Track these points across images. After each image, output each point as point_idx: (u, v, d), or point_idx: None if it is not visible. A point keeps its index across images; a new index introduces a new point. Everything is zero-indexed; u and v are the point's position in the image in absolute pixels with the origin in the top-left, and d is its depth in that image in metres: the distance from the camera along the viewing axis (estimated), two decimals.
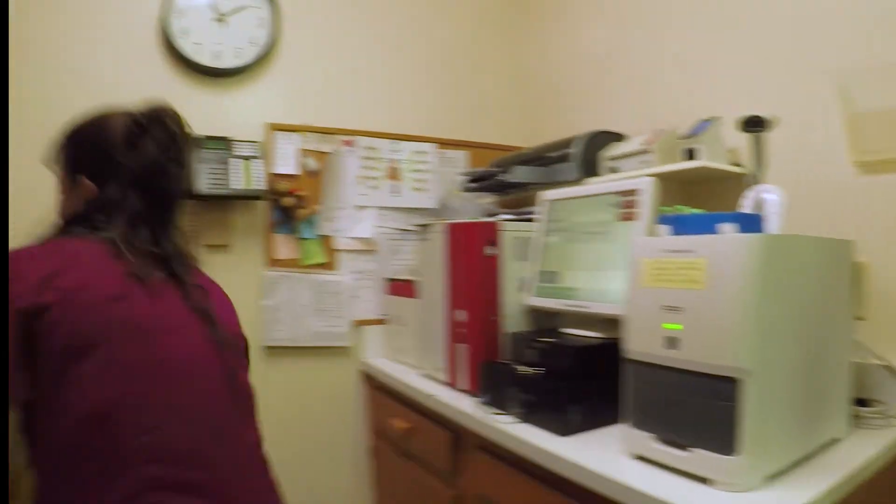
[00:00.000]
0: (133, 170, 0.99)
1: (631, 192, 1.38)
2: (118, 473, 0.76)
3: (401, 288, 2.08)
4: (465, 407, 1.49)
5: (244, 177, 1.92)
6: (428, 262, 1.84)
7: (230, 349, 1.02)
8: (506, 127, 2.51)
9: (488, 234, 1.61)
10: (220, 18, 2.01)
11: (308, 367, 2.14)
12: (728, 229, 1.07)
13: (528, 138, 2.42)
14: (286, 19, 2.13)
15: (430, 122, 2.41)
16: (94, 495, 0.76)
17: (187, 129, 1.09)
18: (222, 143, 1.93)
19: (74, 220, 0.99)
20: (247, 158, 1.95)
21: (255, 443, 1.03)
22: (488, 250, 1.60)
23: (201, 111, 2.01)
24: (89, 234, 0.94)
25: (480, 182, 2.16)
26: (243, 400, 1.03)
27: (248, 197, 1.96)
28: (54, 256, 0.86)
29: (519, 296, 1.61)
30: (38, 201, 1.30)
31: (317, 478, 2.14)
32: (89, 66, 1.87)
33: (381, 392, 2.07)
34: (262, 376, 2.06)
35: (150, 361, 0.85)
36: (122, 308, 0.86)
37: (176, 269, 1.00)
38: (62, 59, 1.84)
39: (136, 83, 1.92)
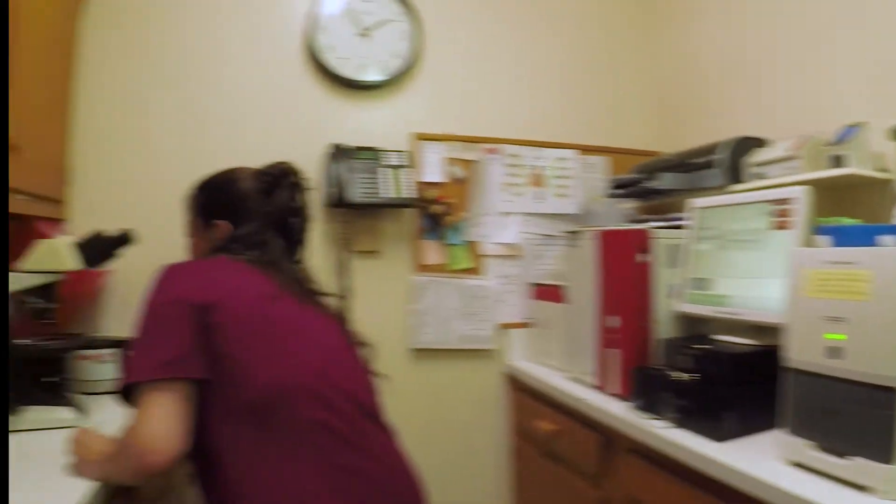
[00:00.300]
0: (268, 213, 1.27)
1: (785, 201, 1.45)
2: (299, 442, 1.01)
3: (547, 292, 2.22)
4: (617, 410, 1.60)
5: (394, 185, 2.14)
6: (577, 268, 1.96)
7: (361, 348, 1.29)
8: (645, 132, 2.55)
9: (640, 241, 1.72)
10: (364, 33, 2.25)
11: (453, 368, 2.33)
12: (890, 241, 1.12)
13: (668, 143, 2.46)
14: (427, 31, 2.33)
15: (571, 129, 2.52)
16: (283, 459, 1.00)
17: (307, 183, 1.37)
18: (371, 154, 2.15)
19: (217, 250, 1.26)
20: (395, 167, 2.17)
21: (392, 433, 1.23)
22: (640, 257, 1.71)
23: (349, 123, 2.26)
24: (233, 257, 1.20)
25: (625, 188, 2.26)
26: (375, 390, 1.26)
27: (399, 205, 2.18)
28: (210, 265, 1.18)
29: (669, 302, 1.70)
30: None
31: (458, 475, 2.33)
32: (241, 83, 2.17)
33: (525, 394, 2.21)
34: (409, 377, 2.28)
35: (311, 350, 1.12)
36: (279, 307, 1.13)
37: (308, 289, 1.26)
38: (215, 76, 2.15)
39: (287, 98, 2.20)
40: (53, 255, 1.47)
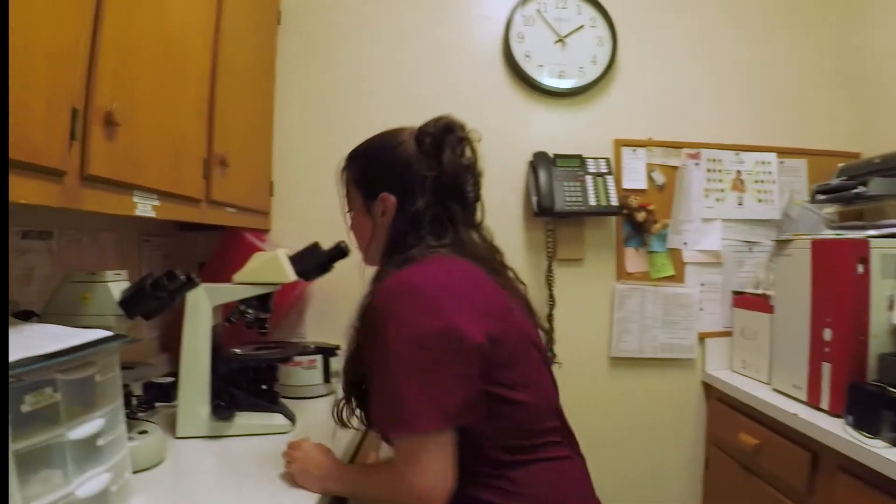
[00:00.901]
0: (438, 179, 1.21)
1: None
2: (542, 442, 1.16)
3: (751, 301, 2.38)
4: (829, 427, 1.72)
5: (598, 193, 2.39)
6: (786, 277, 2.10)
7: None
8: (843, 132, 2.63)
9: (860, 251, 1.79)
10: (560, 40, 2.53)
11: (650, 377, 2.53)
12: None
13: (868, 143, 2.53)
14: (620, 36, 2.54)
15: (768, 131, 2.65)
16: (532, 453, 1.15)
17: (474, 134, 1.30)
18: (575, 161, 2.42)
19: (399, 238, 1.22)
20: (598, 175, 2.42)
21: None
22: (858, 268, 1.81)
23: (550, 130, 2.52)
24: (447, 251, 1.18)
25: (829, 193, 2.32)
26: None
27: (605, 213, 2.42)
28: (460, 278, 1.14)
29: (888, 315, 1.80)
30: None
31: (652, 485, 2.53)
32: (438, 92, 2.48)
33: (725, 405, 2.36)
34: (606, 385, 2.51)
35: (542, 361, 1.24)
36: (517, 320, 1.17)
37: (497, 264, 1.28)
38: (411, 86, 2.47)
39: (486, 106, 2.49)
40: (272, 266, 1.67)
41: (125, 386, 1.37)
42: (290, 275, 1.69)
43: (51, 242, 1.61)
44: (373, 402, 1.14)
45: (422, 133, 1.27)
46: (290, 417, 1.67)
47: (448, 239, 1.21)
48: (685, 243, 2.50)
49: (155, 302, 1.37)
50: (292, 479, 1.30)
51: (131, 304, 1.36)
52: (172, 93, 1.49)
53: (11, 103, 0.90)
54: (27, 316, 1.36)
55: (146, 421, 1.52)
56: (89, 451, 1.06)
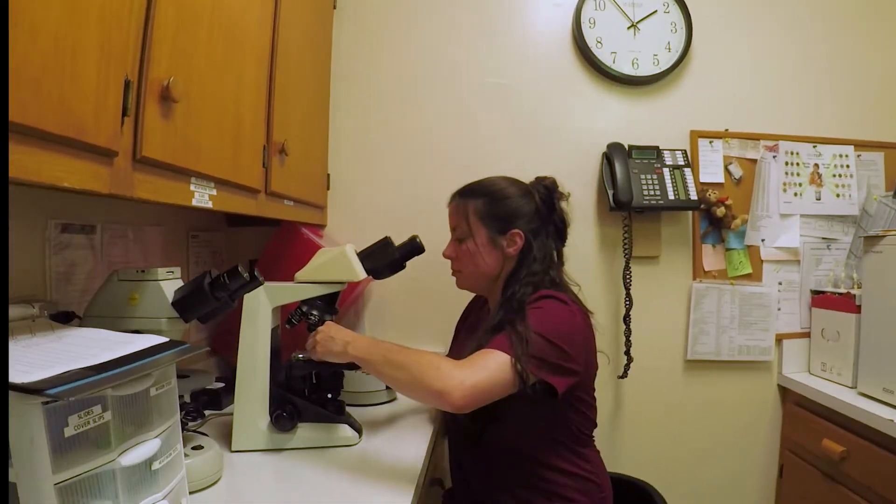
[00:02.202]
0: (555, 225, 1.60)
1: None
2: (591, 438, 1.55)
3: (833, 301, 2.23)
4: None
5: (677, 187, 2.23)
6: (877, 275, 1.95)
7: None
8: None
9: None
10: (633, 26, 2.36)
11: (725, 381, 2.39)
12: None
13: None
14: (696, 21, 2.38)
15: (845, 122, 2.49)
16: (585, 448, 1.52)
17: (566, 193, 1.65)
18: (651, 153, 2.26)
19: (524, 269, 1.54)
20: (676, 167, 2.26)
21: None
22: None
23: (622, 121, 2.37)
24: (563, 295, 1.48)
25: None
26: None
27: (683, 208, 2.26)
28: (583, 324, 1.47)
29: None
30: (441, 213, 1.74)
31: (725, 490, 2.41)
32: (510, 82, 2.35)
33: (803, 409, 2.23)
34: (682, 389, 2.38)
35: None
36: (594, 349, 1.52)
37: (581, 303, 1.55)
38: (481, 76, 2.35)
39: (557, 96, 2.36)
40: (340, 264, 1.53)
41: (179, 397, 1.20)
42: (359, 272, 1.55)
43: (93, 237, 1.46)
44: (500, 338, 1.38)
45: (540, 187, 1.63)
46: (358, 429, 1.54)
47: (555, 271, 1.57)
48: (763, 240, 2.37)
49: (214, 303, 1.20)
50: (314, 352, 1.43)
51: (187, 305, 1.20)
52: (231, 71, 1.33)
53: (54, 66, 0.77)
54: (67, 318, 1.22)
55: (198, 433, 1.39)
56: (144, 476, 0.90)
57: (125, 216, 1.62)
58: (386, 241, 1.69)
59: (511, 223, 1.56)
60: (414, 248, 1.71)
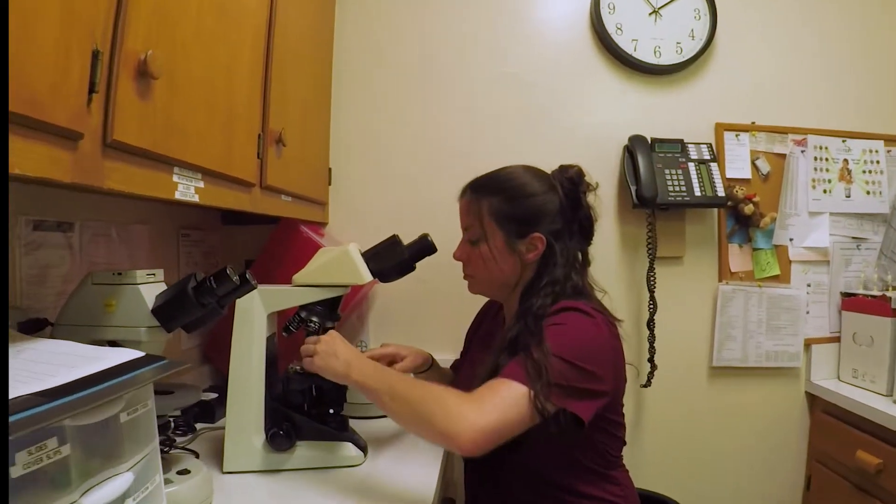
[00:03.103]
0: (580, 224, 1.41)
1: None
2: (620, 458, 1.41)
3: (866, 304, 2.11)
4: None
5: (703, 182, 2.09)
6: None
7: None
8: None
9: None
10: (654, 12, 2.23)
11: (750, 388, 2.26)
12: None
13: None
14: (721, 8, 2.24)
15: (876, 118, 2.37)
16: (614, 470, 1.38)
17: (592, 184, 1.44)
18: (676, 146, 2.12)
19: (545, 276, 1.36)
20: (701, 162, 2.12)
21: None
22: None
23: (644, 112, 2.23)
24: (577, 297, 1.34)
25: None
26: None
27: (710, 205, 2.12)
28: (611, 339, 1.30)
29: None
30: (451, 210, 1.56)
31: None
32: (525, 70, 2.22)
33: (833, 417, 2.12)
34: (707, 397, 2.25)
35: None
36: (623, 364, 1.33)
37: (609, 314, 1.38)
38: (493, 64, 2.21)
39: (576, 85, 2.22)
40: (343, 265, 1.38)
41: (159, 417, 1.06)
42: (364, 275, 1.39)
43: (71, 236, 1.31)
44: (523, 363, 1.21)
45: (563, 180, 1.41)
46: (363, 447, 1.41)
47: (578, 276, 1.39)
48: (791, 239, 2.25)
49: (199, 310, 1.04)
50: (311, 363, 1.28)
51: (169, 312, 1.05)
52: (223, 48, 1.19)
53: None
54: (39, 326, 1.09)
55: (186, 450, 1.29)
56: None
57: (108, 213, 1.47)
58: (394, 240, 1.50)
59: (532, 226, 1.37)
60: (425, 247, 1.51)
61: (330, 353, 1.27)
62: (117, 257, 1.51)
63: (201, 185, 1.11)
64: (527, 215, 1.38)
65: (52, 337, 1.07)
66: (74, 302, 1.10)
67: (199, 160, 1.09)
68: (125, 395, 0.76)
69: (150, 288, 1.09)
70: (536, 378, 1.14)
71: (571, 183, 1.41)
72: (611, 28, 2.21)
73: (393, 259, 1.49)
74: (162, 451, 1.25)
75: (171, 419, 1.34)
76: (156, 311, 1.05)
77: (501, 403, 1.13)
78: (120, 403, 0.78)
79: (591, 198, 1.43)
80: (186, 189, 1.06)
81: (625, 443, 1.41)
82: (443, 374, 1.76)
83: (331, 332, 1.34)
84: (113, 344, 1.06)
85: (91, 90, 0.78)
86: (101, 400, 0.71)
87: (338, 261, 1.39)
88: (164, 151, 0.97)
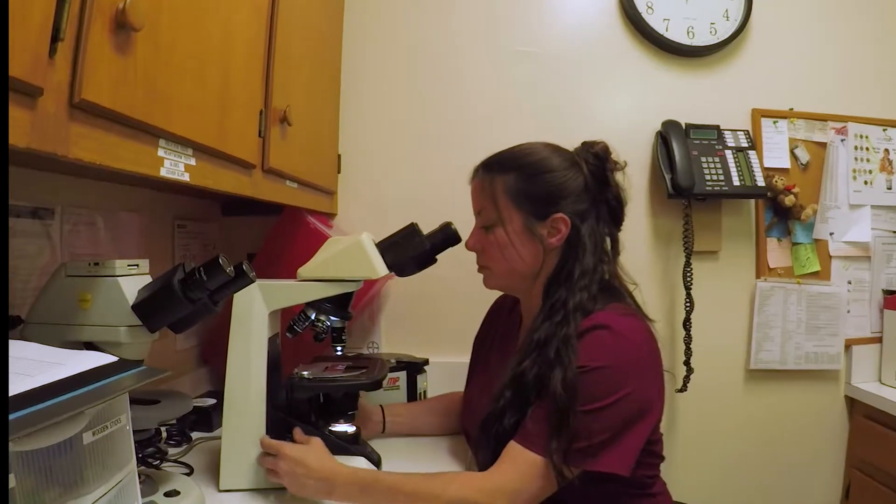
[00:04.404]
0: (609, 204, 1.25)
1: None
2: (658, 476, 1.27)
3: None
4: None
5: (742, 171, 1.95)
6: None
7: None
8: None
9: None
10: None
11: (787, 392, 2.13)
12: None
13: None
14: None
15: None
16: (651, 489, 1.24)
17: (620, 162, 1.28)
18: (712, 133, 1.98)
19: (570, 266, 1.21)
20: (738, 150, 1.98)
21: None
22: None
23: (676, 96, 2.09)
24: (608, 296, 1.20)
25: None
26: None
27: (750, 195, 1.99)
28: (651, 345, 1.17)
29: None
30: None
31: None
32: (548, 51, 2.07)
33: (874, 422, 2.00)
34: (743, 402, 2.11)
35: None
36: (663, 374, 1.20)
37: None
38: (513, 43, 2.06)
39: (602, 67, 2.08)
40: (355, 257, 1.23)
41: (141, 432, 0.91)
42: (379, 268, 1.24)
43: (50, 224, 1.16)
44: (555, 426, 1.06)
45: (587, 156, 1.25)
46: (376, 461, 1.26)
47: (609, 265, 1.25)
48: (831, 234, 2.11)
49: (188, 307, 0.89)
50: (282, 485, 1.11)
51: (152, 308, 0.90)
52: (219, 7, 1.04)
53: None
54: (11, 325, 0.94)
55: (178, 464, 1.19)
56: None
57: (93, 199, 1.31)
58: (412, 229, 1.34)
59: (553, 205, 1.21)
60: (448, 237, 1.35)
61: (294, 474, 1.11)
62: (104, 249, 1.35)
63: (192, 162, 0.96)
64: (547, 193, 1.22)
65: (21, 338, 0.92)
66: (46, 297, 0.95)
67: (189, 132, 0.94)
68: (88, 410, 0.60)
69: (132, 281, 0.94)
70: (559, 439, 1.05)
71: (597, 159, 1.25)
72: (641, 6, 2.05)
73: (412, 250, 1.33)
74: (152, 465, 1.11)
75: (164, 428, 1.20)
76: (137, 308, 0.90)
77: (521, 486, 1.07)
78: (81, 421, 0.63)
79: (619, 177, 1.28)
80: (174, 166, 0.91)
81: (662, 458, 1.28)
82: (430, 409, 1.62)
83: (295, 446, 1.15)
84: (89, 346, 0.91)
85: (55, 38, 0.65)
86: (53, 419, 0.56)
87: (349, 252, 1.24)
88: (144, 118, 0.82)
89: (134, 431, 0.77)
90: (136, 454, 0.77)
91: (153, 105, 0.84)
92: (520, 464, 1.07)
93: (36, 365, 0.66)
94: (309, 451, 1.13)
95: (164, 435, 1.24)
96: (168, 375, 0.73)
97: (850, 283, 2.16)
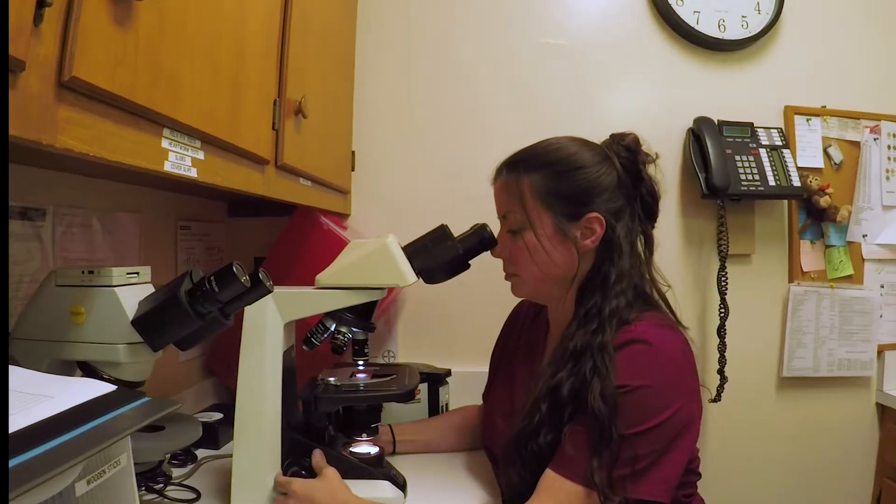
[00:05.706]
0: (643, 200, 1.17)
1: None
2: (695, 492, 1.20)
3: None
4: None
5: (777, 171, 1.86)
6: None
7: None
8: None
9: None
10: None
11: (820, 399, 2.05)
12: None
13: None
14: None
15: None
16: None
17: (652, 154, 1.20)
18: (746, 130, 1.88)
19: (605, 271, 1.12)
20: (773, 148, 1.88)
21: None
22: None
23: (707, 92, 1.99)
24: (643, 304, 1.12)
25: None
26: None
27: (786, 196, 1.89)
28: (689, 358, 1.07)
29: None
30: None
31: None
32: (572, 44, 1.97)
33: None
34: (774, 411, 2.02)
35: None
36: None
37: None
38: (535, 35, 1.96)
39: (630, 60, 1.98)
40: (381, 262, 1.11)
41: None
42: (407, 275, 1.12)
43: (41, 226, 1.04)
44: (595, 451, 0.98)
45: (618, 149, 1.16)
46: (401, 484, 1.14)
47: (645, 267, 1.17)
48: (865, 236, 2.03)
49: (196, 322, 0.76)
50: None
51: (155, 324, 0.78)
52: None
53: None
54: None
55: (184, 488, 1.08)
56: None
57: (88, 198, 1.19)
58: (443, 231, 1.19)
59: (587, 203, 1.12)
60: (483, 240, 1.20)
61: None
62: (100, 254, 1.23)
63: (200, 155, 0.84)
64: (579, 191, 1.13)
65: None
66: (34, 309, 0.83)
67: (198, 122, 0.82)
68: (80, 462, 0.48)
69: (131, 291, 0.81)
70: (599, 465, 0.97)
71: (629, 152, 1.16)
72: None
73: (444, 255, 1.19)
74: (154, 489, 1.00)
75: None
76: (137, 323, 0.77)
77: None
78: (74, 471, 0.49)
79: (651, 170, 1.19)
80: (180, 159, 0.79)
81: (699, 475, 1.22)
82: (446, 425, 1.52)
83: (305, 482, 1.07)
84: (83, 366, 0.78)
85: (41, 2, 0.54)
86: (38, 478, 0.43)
87: (374, 257, 1.11)
88: (146, 103, 0.70)
89: (135, 463, 0.65)
90: (139, 485, 0.65)
91: (157, 87, 0.72)
92: (559, 495, 0.99)
93: (17, 398, 0.54)
94: (318, 488, 1.05)
95: (168, 456, 1.12)
96: (173, 410, 0.60)
97: (882, 286, 2.07)
